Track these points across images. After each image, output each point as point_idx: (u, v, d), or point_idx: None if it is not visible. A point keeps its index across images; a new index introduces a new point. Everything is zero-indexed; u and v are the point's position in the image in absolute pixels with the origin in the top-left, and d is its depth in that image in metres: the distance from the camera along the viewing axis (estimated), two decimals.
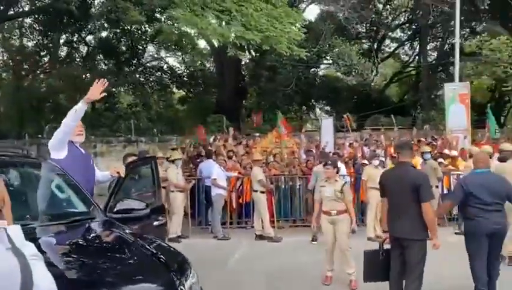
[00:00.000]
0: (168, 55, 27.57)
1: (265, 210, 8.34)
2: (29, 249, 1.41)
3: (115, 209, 3.45)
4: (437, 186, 8.69)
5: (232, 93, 22.97)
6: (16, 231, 1.42)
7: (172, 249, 2.98)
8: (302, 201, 9.46)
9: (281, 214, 9.36)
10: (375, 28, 25.09)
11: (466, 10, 18.61)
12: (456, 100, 12.66)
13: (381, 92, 28.82)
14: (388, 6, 24.49)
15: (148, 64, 26.54)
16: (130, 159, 5.30)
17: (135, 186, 4.44)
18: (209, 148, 10.84)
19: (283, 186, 9.62)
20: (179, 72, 27.50)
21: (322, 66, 25.35)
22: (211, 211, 8.94)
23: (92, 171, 4.17)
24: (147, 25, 20.23)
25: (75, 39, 23.93)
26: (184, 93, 28.30)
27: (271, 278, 5.95)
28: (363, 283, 4.76)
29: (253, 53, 22.28)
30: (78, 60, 24.48)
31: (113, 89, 21.91)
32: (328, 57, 21.97)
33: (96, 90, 3.73)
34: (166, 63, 27.62)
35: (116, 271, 2.42)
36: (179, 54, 27.17)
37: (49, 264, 1.58)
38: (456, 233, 8.25)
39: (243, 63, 24.74)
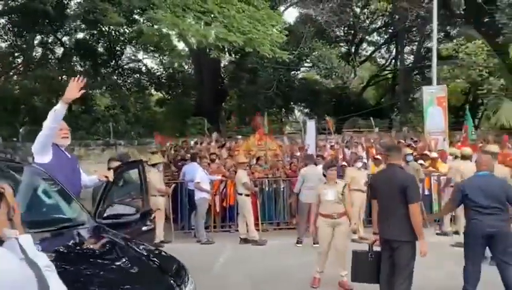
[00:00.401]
0: (146, 56, 27.25)
1: (250, 213, 8.28)
2: (42, 260, 1.36)
3: (105, 215, 3.36)
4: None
5: (212, 95, 22.82)
6: (27, 241, 1.36)
7: (168, 255, 2.92)
8: (286, 204, 9.44)
9: (265, 217, 9.32)
10: (353, 32, 25.38)
11: (442, 15, 19.03)
12: (434, 103, 12.87)
13: (359, 94, 29.14)
14: (366, 10, 24.81)
15: (126, 66, 26.14)
16: (115, 163, 5.18)
17: (123, 191, 4.34)
18: (192, 151, 10.74)
19: (267, 189, 9.58)
20: (157, 73, 27.17)
21: (302, 69, 25.47)
22: (194, 215, 8.78)
23: (78, 175, 4.05)
24: (125, 26, 19.91)
25: (50, 40, 23.38)
26: (162, 95, 27.99)
27: (256, 281, 5.93)
28: (351, 282, 4.78)
29: (233, 55, 22.21)
30: (53, 61, 23.93)
31: (90, 91, 21.49)
32: (308, 60, 22.08)
33: (74, 88, 3.60)
34: (145, 64, 27.30)
35: (115, 278, 2.35)
36: (157, 55, 26.85)
37: None
38: (437, 234, 8.42)
39: (222, 65, 24.66)
